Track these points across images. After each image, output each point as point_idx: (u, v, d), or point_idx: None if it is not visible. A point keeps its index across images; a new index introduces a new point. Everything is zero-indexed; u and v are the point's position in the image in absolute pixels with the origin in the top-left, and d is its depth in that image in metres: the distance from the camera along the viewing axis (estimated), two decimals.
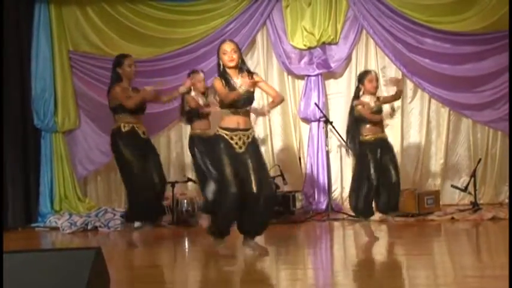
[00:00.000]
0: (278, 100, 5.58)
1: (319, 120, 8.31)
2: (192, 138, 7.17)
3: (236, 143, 5.37)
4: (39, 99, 8.27)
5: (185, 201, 7.69)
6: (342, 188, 8.47)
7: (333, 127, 7.99)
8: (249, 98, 5.42)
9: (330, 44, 8.40)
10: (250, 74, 5.47)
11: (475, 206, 7.58)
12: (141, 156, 6.34)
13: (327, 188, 8.16)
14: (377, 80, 6.36)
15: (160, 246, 6.43)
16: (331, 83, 8.59)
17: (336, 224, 7.49)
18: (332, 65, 8.39)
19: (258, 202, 5.32)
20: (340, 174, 8.49)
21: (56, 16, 8.39)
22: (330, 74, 8.52)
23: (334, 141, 8.41)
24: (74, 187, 8.44)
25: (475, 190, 7.70)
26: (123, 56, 6.47)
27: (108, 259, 3.74)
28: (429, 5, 8.20)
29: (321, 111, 8.10)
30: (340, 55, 8.42)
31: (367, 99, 6.29)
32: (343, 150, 8.41)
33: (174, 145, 8.70)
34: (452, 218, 7.33)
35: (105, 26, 8.48)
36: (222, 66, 5.44)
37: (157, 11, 8.50)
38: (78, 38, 8.52)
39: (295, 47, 8.44)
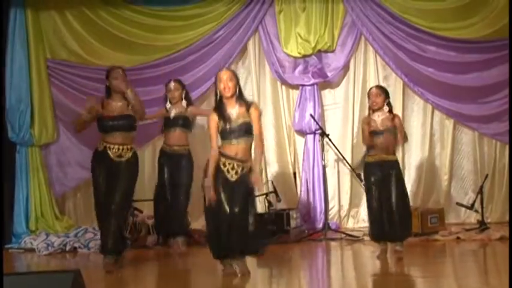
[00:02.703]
0: (258, 152, 5.73)
1: (314, 133, 8.30)
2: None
3: (228, 171, 5.59)
4: (14, 111, 8.23)
5: None
6: (340, 205, 8.45)
7: (330, 140, 7.99)
8: (246, 129, 5.61)
9: (326, 51, 8.41)
10: (248, 105, 5.68)
11: (482, 225, 7.56)
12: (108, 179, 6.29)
13: (323, 205, 8.14)
14: (378, 94, 6.38)
15: (144, 268, 6.38)
16: (327, 93, 8.60)
17: (333, 244, 7.47)
18: (328, 74, 8.40)
19: (237, 223, 5.52)
20: (338, 190, 8.48)
21: (32, 21, 8.36)
22: (326, 83, 8.52)
23: (331, 155, 8.40)
24: (51, 205, 8.38)
25: (482, 208, 7.69)
26: (110, 68, 6.44)
27: (88, 283, 3.71)
28: (432, 10, 8.23)
29: (317, 123, 8.10)
30: (337, 63, 8.43)
31: (376, 116, 6.33)
32: (341, 164, 8.41)
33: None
34: (458, 238, 7.32)
35: (86, 32, 8.46)
36: (218, 95, 5.67)
37: (142, 16, 8.49)
38: (57, 44, 8.49)
39: (289, 55, 8.45)
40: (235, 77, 5.70)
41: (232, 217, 5.52)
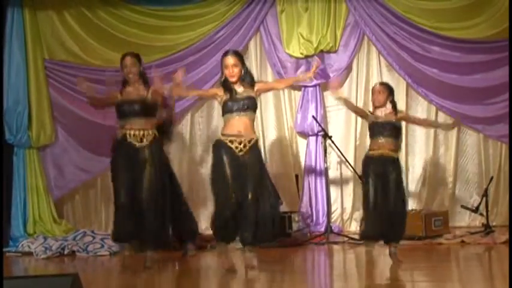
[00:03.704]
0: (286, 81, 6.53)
1: (317, 135, 8.31)
2: None
3: (236, 147, 5.84)
4: (11, 112, 8.23)
5: None
6: (343, 208, 8.45)
7: (332, 142, 7.99)
8: (249, 103, 5.93)
9: (328, 52, 8.41)
10: (253, 85, 6.04)
11: (487, 228, 7.56)
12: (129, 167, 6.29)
13: (326, 208, 8.14)
14: (381, 91, 6.38)
15: (143, 273, 6.37)
16: (330, 95, 8.60)
17: (336, 247, 7.46)
18: (331, 74, 8.41)
19: (252, 211, 5.75)
20: (341, 193, 8.48)
21: (30, 21, 8.36)
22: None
23: (333, 158, 8.41)
24: (49, 208, 8.38)
25: (487, 211, 7.69)
26: (122, 57, 6.61)
27: (87, 287, 3.72)
28: (436, 10, 8.23)
29: (319, 125, 8.11)
30: (339, 64, 8.43)
31: (378, 112, 6.37)
32: (344, 167, 8.41)
33: None
34: (463, 242, 7.32)
35: (84, 33, 8.47)
36: (224, 76, 6.02)
37: (142, 16, 8.50)
38: (55, 45, 8.49)
39: (291, 56, 8.46)
40: (241, 61, 6.04)
41: (244, 202, 5.76)
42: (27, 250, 7.72)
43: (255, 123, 6.27)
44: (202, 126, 8.64)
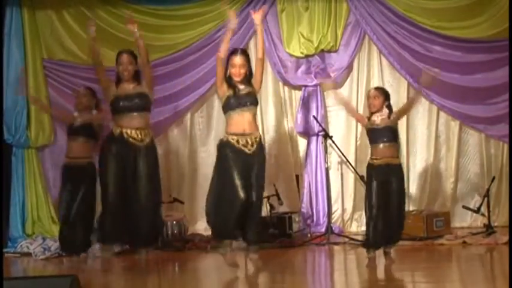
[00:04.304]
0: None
1: (317, 135, 8.31)
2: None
3: (244, 145, 5.98)
4: (10, 112, 8.23)
5: (170, 223, 7.64)
6: (343, 208, 8.45)
7: (333, 142, 7.99)
8: (251, 99, 6.08)
9: (329, 51, 8.41)
10: (249, 80, 6.18)
11: (488, 229, 7.56)
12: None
13: (326, 208, 8.14)
14: (376, 96, 6.38)
15: (144, 273, 6.38)
16: (330, 94, 8.59)
17: (337, 248, 7.46)
18: (332, 74, 8.39)
19: (257, 211, 6.04)
20: (341, 193, 8.47)
21: (29, 21, 8.36)
22: (330, 84, 8.51)
23: (334, 158, 8.40)
24: (48, 208, 8.38)
25: (488, 211, 7.68)
26: (118, 53, 6.69)
27: (85, 287, 3.72)
28: (438, 9, 8.22)
29: (320, 125, 8.10)
30: (340, 64, 8.43)
31: (375, 117, 6.36)
32: (344, 167, 8.41)
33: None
34: (464, 242, 7.31)
35: (84, 32, 8.42)
36: (229, 74, 6.14)
37: (141, 15, 8.47)
38: (54, 44, 8.49)
39: (291, 55, 8.46)
40: (248, 61, 6.18)
41: (250, 203, 5.90)
42: (25, 251, 7.72)
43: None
44: (202, 126, 8.63)
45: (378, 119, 6.34)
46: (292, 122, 8.58)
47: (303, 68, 8.47)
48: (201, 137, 8.63)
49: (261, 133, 6.43)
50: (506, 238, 7.21)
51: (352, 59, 8.46)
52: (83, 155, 7.31)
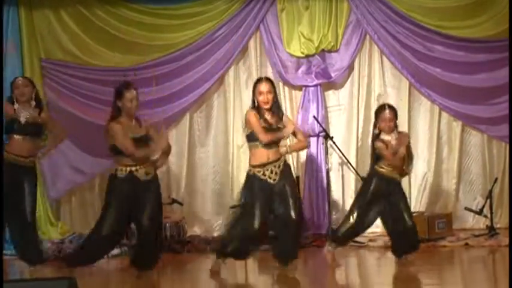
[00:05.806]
0: (302, 146, 6.46)
1: (318, 136, 8.30)
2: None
3: (269, 177, 5.96)
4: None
5: (169, 225, 7.64)
6: (344, 210, 8.44)
7: (334, 143, 7.99)
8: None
9: (330, 51, 8.41)
10: (280, 115, 6.16)
11: (491, 231, 7.57)
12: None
13: (327, 210, 8.14)
14: (391, 119, 6.38)
15: (142, 277, 6.38)
16: (331, 95, 8.59)
17: (337, 250, 7.43)
18: (332, 74, 8.40)
19: (294, 227, 6.03)
20: (342, 195, 8.47)
21: (26, 20, 8.35)
22: (330, 84, 8.51)
23: (335, 159, 8.40)
24: (45, 210, 8.36)
25: (491, 213, 7.69)
26: (125, 86, 6.24)
27: None
28: (439, 8, 8.23)
29: (320, 126, 8.10)
30: (341, 64, 8.43)
31: (387, 137, 6.36)
32: (345, 168, 8.41)
33: None
34: (466, 244, 7.32)
35: (82, 32, 8.46)
36: (255, 102, 6.11)
37: (140, 14, 8.49)
38: (51, 44, 8.48)
39: (291, 55, 8.45)
40: (274, 88, 6.14)
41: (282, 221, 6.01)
42: None
43: None
44: (201, 127, 8.63)
45: (392, 140, 6.34)
46: None
47: (303, 68, 8.46)
48: (200, 137, 8.62)
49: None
50: (508, 240, 7.20)
51: (353, 59, 8.45)
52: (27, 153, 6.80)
